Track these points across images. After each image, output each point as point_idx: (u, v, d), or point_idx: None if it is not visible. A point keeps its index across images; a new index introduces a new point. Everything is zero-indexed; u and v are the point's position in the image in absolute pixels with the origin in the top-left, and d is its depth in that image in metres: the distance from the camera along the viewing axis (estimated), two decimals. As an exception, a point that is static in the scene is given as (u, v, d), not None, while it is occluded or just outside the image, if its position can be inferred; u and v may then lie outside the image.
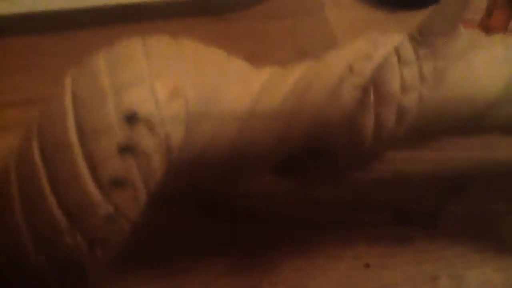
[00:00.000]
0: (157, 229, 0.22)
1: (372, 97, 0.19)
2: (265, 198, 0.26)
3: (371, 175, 0.26)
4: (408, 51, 0.20)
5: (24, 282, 0.18)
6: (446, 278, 0.24)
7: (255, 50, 0.34)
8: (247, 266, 0.25)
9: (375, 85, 0.19)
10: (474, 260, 0.24)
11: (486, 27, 0.28)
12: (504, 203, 0.26)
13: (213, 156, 0.20)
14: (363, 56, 0.20)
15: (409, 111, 0.20)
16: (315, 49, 0.34)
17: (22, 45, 0.34)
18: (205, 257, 0.25)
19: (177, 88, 0.19)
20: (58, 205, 0.17)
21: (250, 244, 0.25)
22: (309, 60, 0.22)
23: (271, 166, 0.21)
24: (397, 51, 0.20)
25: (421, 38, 0.20)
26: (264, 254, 0.25)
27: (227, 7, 0.36)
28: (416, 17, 0.35)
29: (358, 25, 0.36)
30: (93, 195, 0.17)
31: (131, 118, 0.17)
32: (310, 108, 0.20)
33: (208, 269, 0.25)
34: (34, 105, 0.30)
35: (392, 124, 0.20)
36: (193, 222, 0.26)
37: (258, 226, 0.26)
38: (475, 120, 0.21)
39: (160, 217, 0.21)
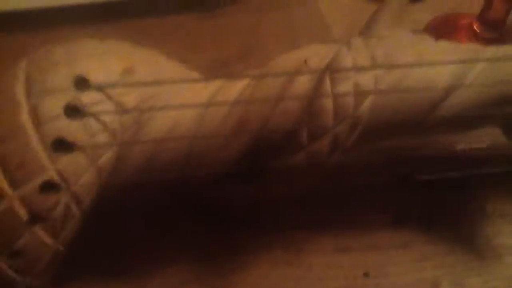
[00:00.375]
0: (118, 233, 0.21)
1: (328, 81, 0.19)
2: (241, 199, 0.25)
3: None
4: (358, 41, 0.21)
5: None
6: (447, 286, 0.23)
7: (249, 43, 0.33)
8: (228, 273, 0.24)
9: (330, 70, 0.19)
10: (475, 268, 0.23)
11: (485, 20, 0.26)
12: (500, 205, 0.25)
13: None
14: (318, 54, 0.21)
15: (366, 91, 0.19)
16: (310, 41, 0.33)
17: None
18: (172, 264, 0.24)
19: (130, 67, 0.19)
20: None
21: (231, 251, 0.24)
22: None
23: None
24: (347, 43, 0.20)
25: (367, 31, 0.20)
26: (248, 262, 0.24)
27: (219, 1, 0.35)
28: (409, 9, 0.34)
29: (351, 16, 0.34)
30: (37, 154, 0.16)
31: (81, 83, 0.17)
32: (264, 102, 0.19)
33: (175, 275, 0.24)
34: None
35: (351, 105, 0.19)
36: (158, 226, 0.25)
37: (241, 231, 0.25)
38: (431, 108, 0.20)
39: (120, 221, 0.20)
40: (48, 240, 0.16)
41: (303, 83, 0.20)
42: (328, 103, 0.20)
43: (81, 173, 0.16)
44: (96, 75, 0.17)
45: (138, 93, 0.18)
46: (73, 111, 0.16)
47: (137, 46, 0.21)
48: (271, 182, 0.22)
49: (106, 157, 0.17)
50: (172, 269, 0.23)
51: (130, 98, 0.18)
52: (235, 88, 0.20)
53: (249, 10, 0.35)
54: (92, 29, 0.33)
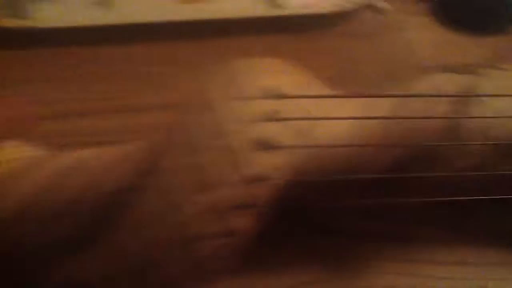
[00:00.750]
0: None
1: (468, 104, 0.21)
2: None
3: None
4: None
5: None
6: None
7: (341, 68, 0.35)
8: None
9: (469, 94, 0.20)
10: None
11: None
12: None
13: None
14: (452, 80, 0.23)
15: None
16: (400, 67, 0.35)
17: (110, 54, 0.35)
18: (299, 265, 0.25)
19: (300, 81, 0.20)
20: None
21: (355, 258, 0.26)
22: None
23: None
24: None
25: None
26: (371, 271, 0.25)
27: (310, 25, 0.37)
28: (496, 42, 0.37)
29: (440, 47, 0.37)
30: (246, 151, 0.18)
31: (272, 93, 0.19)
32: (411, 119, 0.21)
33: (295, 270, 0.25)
34: (132, 113, 0.31)
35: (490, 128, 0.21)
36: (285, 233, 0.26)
37: (365, 240, 0.26)
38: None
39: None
40: (251, 225, 0.18)
41: (445, 104, 0.22)
42: (469, 124, 0.21)
43: (279, 169, 0.18)
44: (288, 88, 0.19)
45: (315, 105, 0.20)
46: (269, 116, 0.18)
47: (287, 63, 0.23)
48: (407, 194, 0.23)
49: (294, 157, 0.19)
50: (299, 269, 0.25)
51: (311, 108, 0.20)
52: (385, 105, 0.22)
53: (340, 36, 0.37)
54: (188, 45, 0.35)
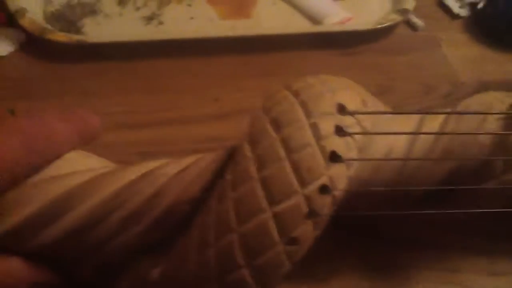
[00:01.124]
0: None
1: None
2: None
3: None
4: None
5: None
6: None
7: (381, 82, 0.36)
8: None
9: None
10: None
11: None
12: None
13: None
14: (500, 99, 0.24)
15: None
16: (439, 83, 0.36)
17: (170, 67, 0.36)
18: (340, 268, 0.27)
19: (364, 100, 0.22)
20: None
21: (397, 266, 0.27)
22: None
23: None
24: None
25: None
26: (412, 278, 0.27)
27: (353, 41, 0.39)
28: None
29: (476, 62, 0.38)
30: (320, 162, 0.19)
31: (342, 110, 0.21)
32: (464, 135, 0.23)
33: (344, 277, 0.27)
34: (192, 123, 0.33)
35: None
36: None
37: (407, 248, 0.27)
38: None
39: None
40: (314, 234, 0.19)
41: (495, 120, 0.23)
42: None
43: (343, 181, 0.19)
44: (349, 104, 0.20)
45: (371, 120, 0.21)
46: (339, 130, 0.19)
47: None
48: (458, 205, 0.24)
49: (355, 170, 0.20)
50: (349, 276, 0.26)
51: (368, 124, 0.21)
52: (437, 121, 0.23)
53: (381, 51, 0.38)
54: (239, 59, 0.37)
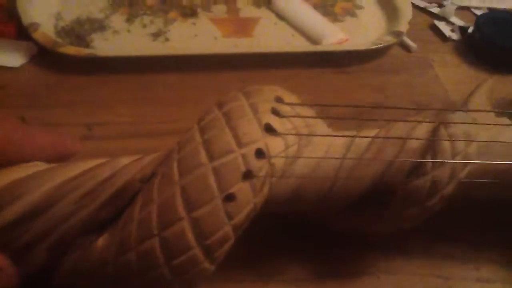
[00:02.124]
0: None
1: (442, 129, 0.26)
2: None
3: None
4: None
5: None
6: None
7: (375, 99, 0.38)
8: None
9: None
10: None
11: None
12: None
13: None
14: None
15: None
16: (430, 101, 0.38)
17: (175, 81, 0.38)
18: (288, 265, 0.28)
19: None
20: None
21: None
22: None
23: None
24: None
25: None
26: (403, 285, 0.28)
27: (349, 60, 0.41)
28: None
29: (466, 83, 0.40)
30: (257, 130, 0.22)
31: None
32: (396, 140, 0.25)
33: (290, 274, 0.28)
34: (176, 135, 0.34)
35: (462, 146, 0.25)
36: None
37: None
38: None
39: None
40: (251, 194, 0.21)
41: (424, 127, 0.25)
42: (445, 144, 0.24)
43: (279, 153, 0.22)
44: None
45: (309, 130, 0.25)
46: (275, 112, 0.23)
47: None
48: (401, 206, 0.25)
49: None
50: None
51: (305, 131, 0.24)
52: (371, 132, 0.26)
53: (375, 71, 0.40)
54: (243, 74, 0.39)
